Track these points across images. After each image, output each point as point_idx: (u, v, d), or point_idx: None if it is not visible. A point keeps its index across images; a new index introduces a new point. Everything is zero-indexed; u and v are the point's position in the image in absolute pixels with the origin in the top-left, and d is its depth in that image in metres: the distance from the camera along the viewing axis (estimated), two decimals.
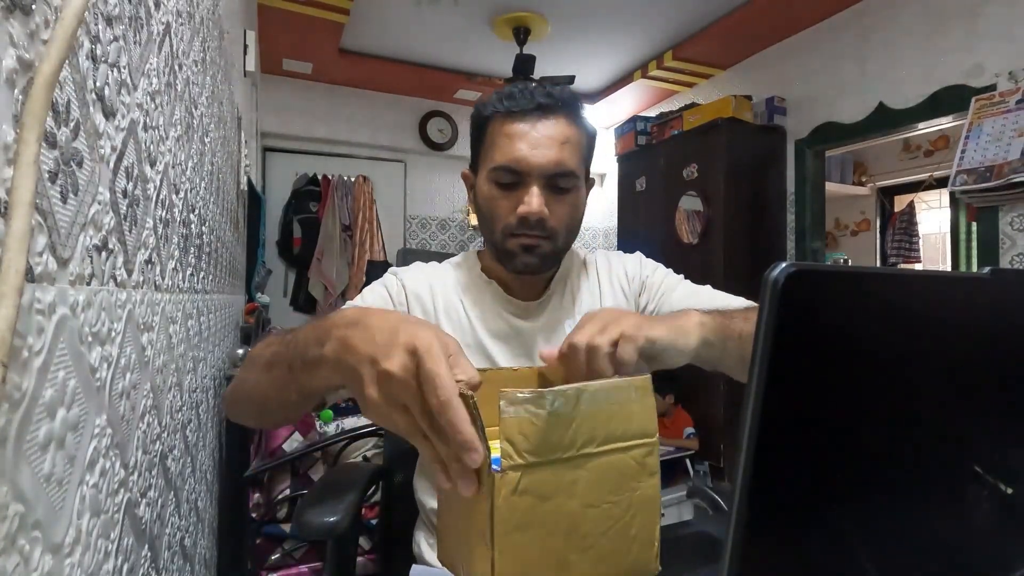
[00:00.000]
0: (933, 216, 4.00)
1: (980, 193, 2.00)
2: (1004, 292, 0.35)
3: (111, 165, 0.50)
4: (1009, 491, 0.38)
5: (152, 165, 0.66)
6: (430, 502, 0.79)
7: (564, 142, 0.74)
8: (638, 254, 0.93)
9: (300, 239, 3.71)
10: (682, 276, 0.90)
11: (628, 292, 0.88)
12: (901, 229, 3.85)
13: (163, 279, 0.73)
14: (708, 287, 0.86)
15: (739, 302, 0.80)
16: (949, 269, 3.77)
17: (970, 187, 1.99)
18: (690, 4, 2.75)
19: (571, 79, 3.14)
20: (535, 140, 0.73)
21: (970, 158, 2.01)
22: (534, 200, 0.73)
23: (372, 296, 0.81)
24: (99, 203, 0.47)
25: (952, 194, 2.22)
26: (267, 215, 3.28)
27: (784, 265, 0.26)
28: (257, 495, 1.56)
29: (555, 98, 0.75)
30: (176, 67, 0.80)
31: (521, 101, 0.74)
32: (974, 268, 2.42)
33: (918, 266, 3.84)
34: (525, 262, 0.76)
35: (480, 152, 0.80)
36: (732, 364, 0.63)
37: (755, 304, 0.89)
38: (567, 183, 0.76)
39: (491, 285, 0.84)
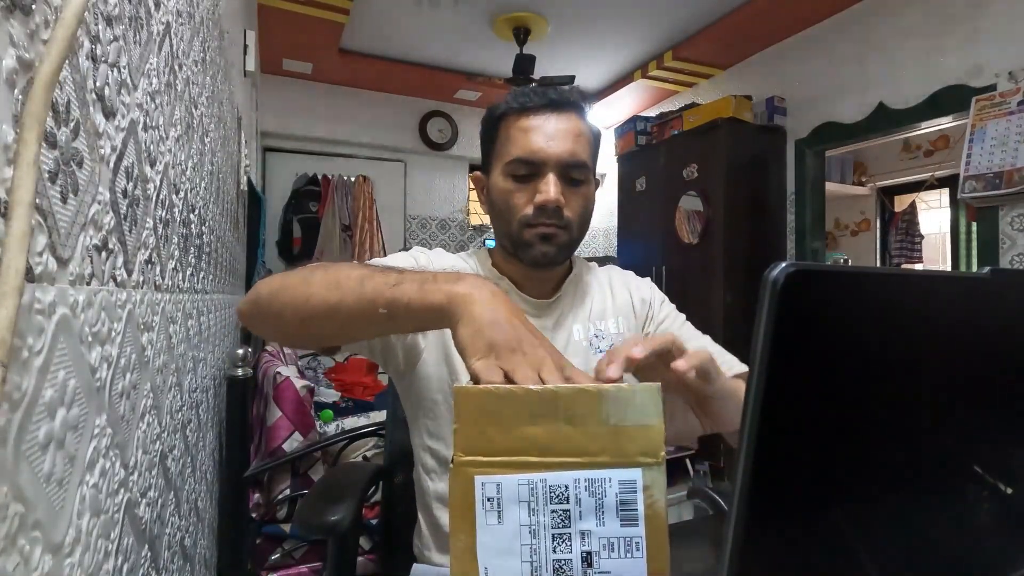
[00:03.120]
0: (933, 216, 4.00)
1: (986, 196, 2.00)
2: (1004, 292, 0.35)
3: (111, 165, 0.50)
4: (1009, 491, 0.38)
5: (152, 165, 0.66)
6: (435, 485, 0.78)
7: (578, 135, 0.76)
8: (649, 280, 0.93)
9: (300, 239, 3.71)
10: (684, 317, 0.90)
11: (637, 314, 0.88)
12: (903, 230, 3.85)
13: (163, 279, 0.73)
14: (708, 338, 0.85)
15: (732, 358, 0.79)
16: (949, 269, 3.77)
17: (980, 194, 1.99)
18: (690, 4, 2.75)
19: (571, 79, 3.14)
20: (550, 132, 0.75)
21: (976, 163, 2.01)
22: (551, 188, 0.74)
23: (401, 260, 0.80)
24: (99, 203, 0.47)
25: (953, 195, 2.22)
26: (267, 215, 3.28)
27: (784, 265, 0.26)
28: (257, 495, 1.56)
29: (566, 96, 0.77)
30: (176, 67, 0.80)
31: (534, 98, 0.77)
32: (974, 268, 2.42)
33: (919, 266, 3.84)
34: (543, 251, 0.77)
35: (493, 151, 0.81)
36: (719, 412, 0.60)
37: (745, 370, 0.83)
38: (580, 174, 0.77)
39: (503, 281, 0.84)
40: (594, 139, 0.81)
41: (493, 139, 0.81)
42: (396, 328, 0.59)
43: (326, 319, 0.56)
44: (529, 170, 0.76)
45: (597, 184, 0.84)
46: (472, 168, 4.48)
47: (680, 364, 0.50)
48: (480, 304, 0.47)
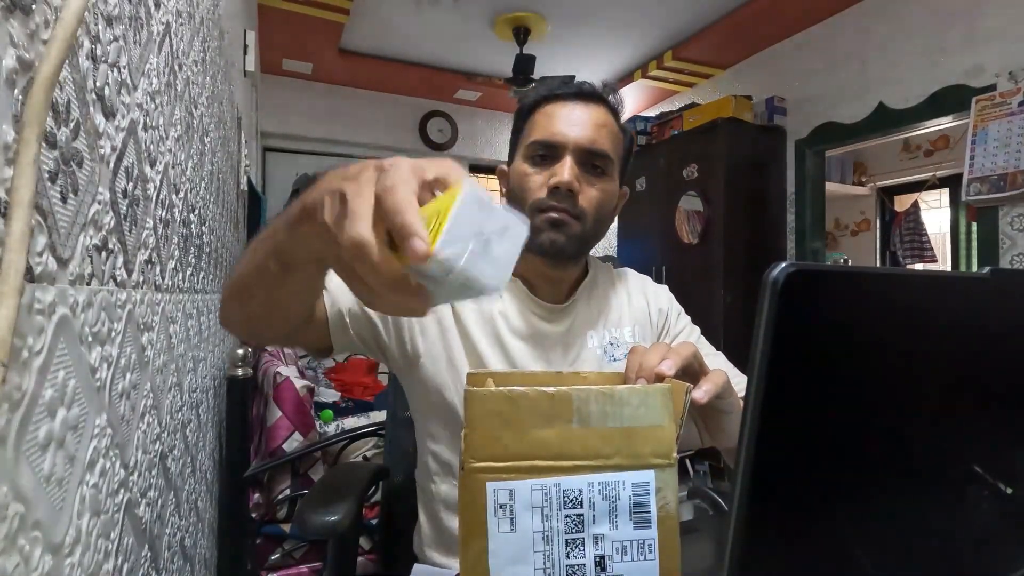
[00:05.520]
0: (933, 216, 3.99)
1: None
2: (1004, 292, 0.35)
3: (111, 165, 0.50)
4: (1009, 491, 0.38)
5: (152, 165, 0.66)
6: (437, 487, 0.77)
7: (601, 125, 0.75)
8: (666, 288, 0.91)
9: None
10: (699, 331, 0.89)
11: (653, 323, 0.86)
12: (909, 229, 3.81)
13: (163, 279, 0.73)
14: (722, 355, 0.83)
15: (743, 379, 0.78)
16: (949, 269, 3.77)
17: (985, 196, 1.99)
18: (690, 4, 2.75)
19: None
20: (573, 119, 0.75)
21: (980, 165, 2.01)
22: (566, 170, 0.72)
23: None
24: (99, 203, 0.47)
25: (953, 195, 2.23)
26: (267, 215, 3.27)
27: (784, 265, 0.26)
28: (257, 495, 1.55)
29: (596, 90, 0.77)
30: (176, 67, 0.80)
31: (564, 87, 0.77)
32: (974, 268, 2.42)
33: (933, 266, 3.79)
34: (552, 238, 0.73)
35: (518, 141, 0.80)
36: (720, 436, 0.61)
37: None
38: (601, 163, 0.75)
39: (516, 283, 0.81)
40: (624, 138, 0.79)
41: (520, 130, 0.80)
42: (301, 272, 0.48)
43: (245, 298, 0.53)
44: (547, 152, 0.75)
45: (625, 194, 0.82)
46: (472, 168, 4.48)
47: (699, 395, 0.50)
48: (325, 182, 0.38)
